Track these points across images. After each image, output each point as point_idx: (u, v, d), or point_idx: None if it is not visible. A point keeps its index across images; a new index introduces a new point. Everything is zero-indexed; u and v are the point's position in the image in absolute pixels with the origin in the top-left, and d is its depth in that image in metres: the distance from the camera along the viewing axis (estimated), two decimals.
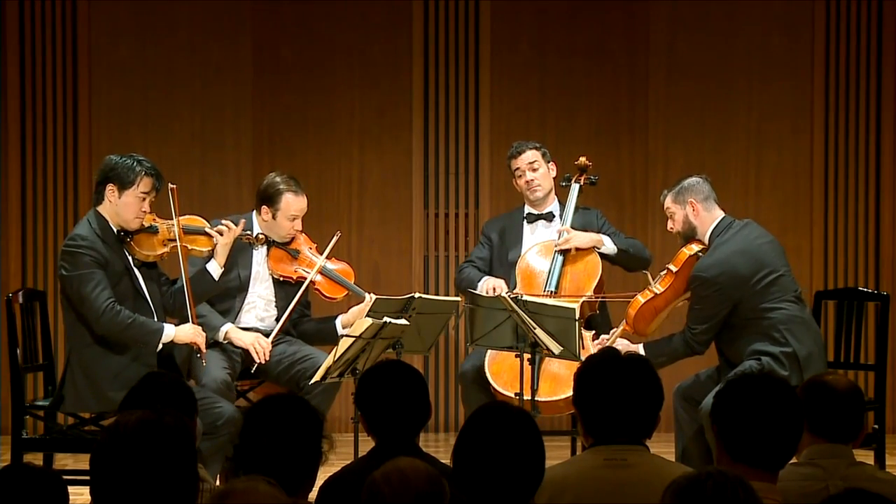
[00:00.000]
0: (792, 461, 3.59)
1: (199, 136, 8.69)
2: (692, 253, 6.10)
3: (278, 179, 6.43)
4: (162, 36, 8.69)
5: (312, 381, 5.84)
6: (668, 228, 6.23)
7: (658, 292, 6.12)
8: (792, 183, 8.76)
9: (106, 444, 2.76)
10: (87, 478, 2.82)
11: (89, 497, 2.83)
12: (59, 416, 6.16)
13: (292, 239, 6.47)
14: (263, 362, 6.23)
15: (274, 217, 6.39)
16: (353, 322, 6.16)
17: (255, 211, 6.47)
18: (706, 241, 6.11)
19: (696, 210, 6.10)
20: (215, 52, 8.71)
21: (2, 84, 8.60)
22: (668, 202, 6.17)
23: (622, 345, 6.11)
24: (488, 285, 6.56)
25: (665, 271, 6.16)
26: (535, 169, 6.69)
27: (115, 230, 5.90)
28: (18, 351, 6.00)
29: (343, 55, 8.75)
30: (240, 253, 6.34)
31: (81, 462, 6.29)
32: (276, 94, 8.75)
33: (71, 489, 3.03)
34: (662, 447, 5.37)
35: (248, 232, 6.30)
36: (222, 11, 8.71)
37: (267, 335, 6.34)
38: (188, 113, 8.69)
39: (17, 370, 5.98)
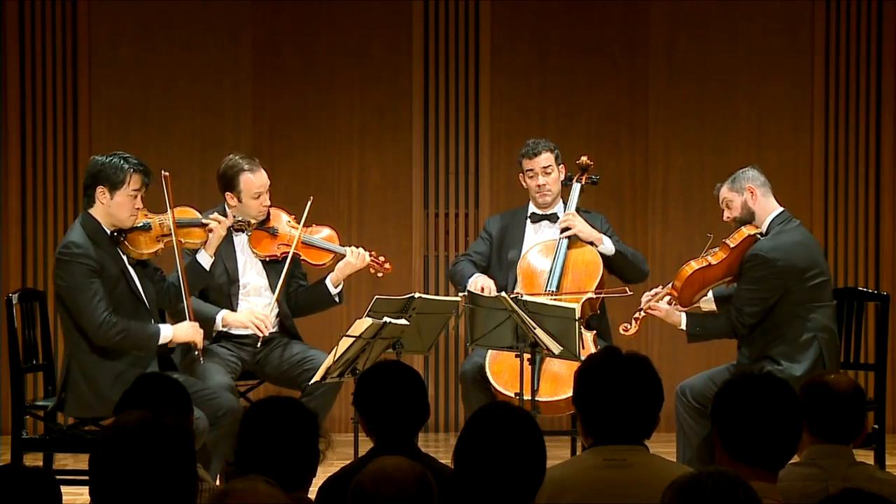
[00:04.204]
0: (792, 461, 3.59)
1: (199, 136, 8.69)
2: (751, 233, 6.10)
3: (233, 162, 6.35)
4: (162, 36, 8.68)
5: (312, 381, 5.84)
6: (725, 218, 6.20)
7: (712, 263, 6.09)
8: (792, 183, 8.75)
9: (105, 444, 2.76)
10: (87, 478, 2.82)
11: (89, 497, 2.82)
12: (59, 416, 6.15)
13: (268, 217, 6.46)
14: (267, 334, 6.27)
15: (240, 200, 6.33)
16: (342, 279, 6.46)
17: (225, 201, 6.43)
18: (764, 229, 6.11)
19: (755, 195, 6.12)
20: (215, 52, 8.71)
21: (2, 84, 8.59)
22: (725, 192, 6.17)
23: (665, 308, 6.11)
24: (476, 284, 6.48)
25: (721, 245, 6.12)
26: (548, 173, 6.61)
27: (108, 232, 5.83)
28: (19, 349, 6.00)
29: (343, 55, 8.75)
30: (221, 246, 6.28)
31: (81, 462, 6.28)
32: (276, 94, 8.75)
33: (71, 489, 3.04)
34: (662, 447, 5.37)
35: (240, 219, 6.30)
36: (222, 11, 8.70)
37: (266, 340, 6.36)
38: (188, 113, 8.69)
39: (17, 370, 5.97)
